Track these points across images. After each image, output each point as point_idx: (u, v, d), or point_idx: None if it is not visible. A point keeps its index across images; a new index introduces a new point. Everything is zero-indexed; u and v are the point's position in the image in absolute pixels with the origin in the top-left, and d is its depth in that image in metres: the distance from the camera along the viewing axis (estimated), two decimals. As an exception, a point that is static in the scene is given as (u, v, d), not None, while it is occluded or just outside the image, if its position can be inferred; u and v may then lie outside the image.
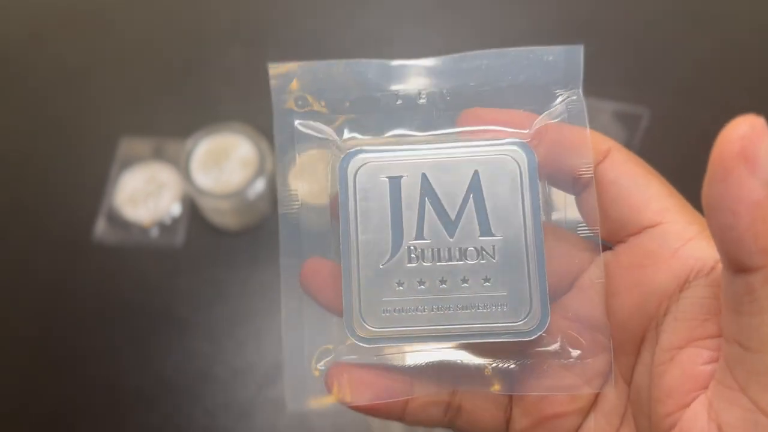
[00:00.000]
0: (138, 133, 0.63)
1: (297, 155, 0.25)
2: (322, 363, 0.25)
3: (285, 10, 0.70)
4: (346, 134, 0.25)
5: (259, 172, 0.56)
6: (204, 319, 0.56)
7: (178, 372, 0.54)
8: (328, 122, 0.25)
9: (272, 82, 0.25)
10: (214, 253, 0.59)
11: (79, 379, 0.54)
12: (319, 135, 0.25)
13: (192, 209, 0.60)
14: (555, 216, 0.25)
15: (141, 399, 0.53)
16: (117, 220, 0.59)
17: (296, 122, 0.25)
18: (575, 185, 0.23)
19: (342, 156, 0.24)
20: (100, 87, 0.66)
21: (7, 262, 0.59)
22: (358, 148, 0.24)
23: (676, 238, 0.21)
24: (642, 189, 0.22)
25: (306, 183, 0.26)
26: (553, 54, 0.24)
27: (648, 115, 0.59)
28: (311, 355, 0.25)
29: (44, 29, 0.69)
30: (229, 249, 0.58)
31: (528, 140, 0.24)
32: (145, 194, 0.60)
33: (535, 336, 0.23)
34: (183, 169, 0.56)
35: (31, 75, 0.67)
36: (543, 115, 0.24)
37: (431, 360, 0.24)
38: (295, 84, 0.25)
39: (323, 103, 0.25)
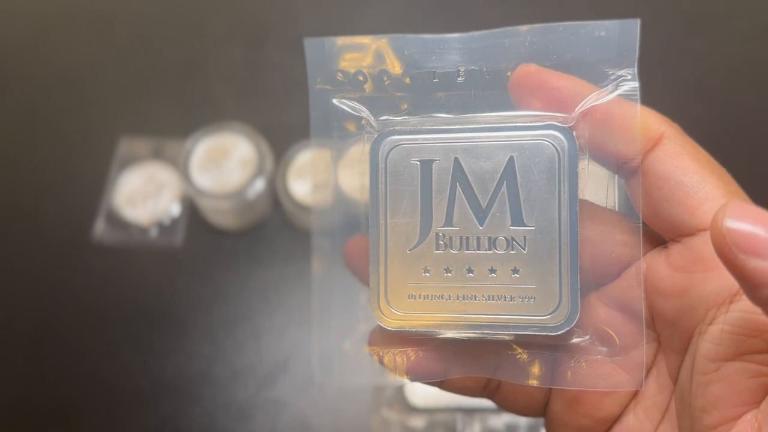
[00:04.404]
0: (137, 133, 0.62)
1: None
2: (348, 342, 0.25)
3: (285, 10, 0.70)
4: (381, 113, 0.24)
5: (259, 172, 0.56)
6: (203, 319, 0.56)
7: (178, 372, 0.54)
8: (363, 100, 0.24)
9: (308, 56, 0.24)
10: (214, 253, 0.58)
11: (79, 379, 0.54)
12: (355, 113, 0.24)
13: (191, 209, 0.59)
14: (606, 196, 0.23)
15: (140, 399, 0.53)
16: (116, 221, 0.59)
17: (332, 100, 0.24)
18: (623, 170, 0.22)
19: (374, 137, 0.23)
20: (100, 87, 0.66)
21: (7, 262, 0.59)
22: (391, 129, 0.23)
23: None
24: (696, 188, 0.21)
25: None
26: (605, 29, 0.22)
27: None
28: (339, 334, 0.25)
29: (44, 29, 0.69)
30: (229, 249, 0.58)
31: (572, 123, 0.22)
32: (144, 194, 0.60)
33: (563, 331, 0.22)
34: (182, 169, 0.56)
35: (31, 75, 0.67)
36: (591, 95, 0.22)
37: (469, 346, 0.23)
38: (331, 59, 0.24)
39: (360, 80, 0.24)
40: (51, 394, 0.54)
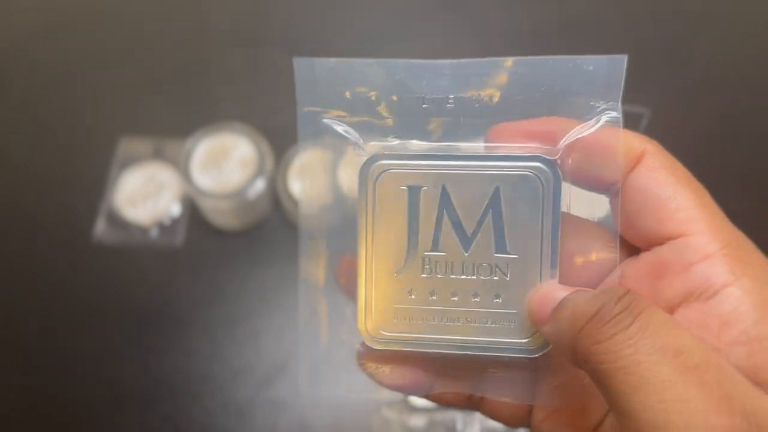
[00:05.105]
0: (138, 133, 0.62)
1: (297, 154, 0.25)
2: (340, 351, 0.25)
3: (285, 10, 0.70)
4: (369, 136, 0.24)
5: (259, 172, 0.56)
6: (203, 319, 0.56)
7: (177, 372, 0.54)
8: (352, 122, 0.25)
9: (297, 76, 0.24)
10: (214, 253, 0.58)
11: (78, 378, 0.54)
12: (344, 134, 0.25)
13: (191, 209, 0.60)
14: (588, 211, 0.24)
15: (140, 399, 0.53)
16: (117, 221, 0.59)
17: (321, 120, 0.25)
18: (608, 192, 0.23)
19: (363, 161, 0.24)
20: (100, 87, 0.66)
21: (7, 262, 0.59)
22: (379, 153, 0.24)
23: (694, 252, 0.21)
24: (669, 199, 0.22)
25: (308, 182, 0.26)
26: (594, 63, 0.23)
27: (648, 115, 0.58)
28: (327, 344, 0.25)
29: (44, 29, 0.69)
30: (229, 249, 0.58)
31: (557, 155, 0.23)
32: (144, 194, 0.60)
33: (540, 354, 0.23)
34: (182, 169, 0.56)
35: (31, 75, 0.67)
36: (576, 128, 0.23)
37: (452, 363, 0.24)
38: (320, 80, 0.24)
39: (350, 102, 0.24)
40: (51, 393, 0.54)
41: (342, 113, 0.24)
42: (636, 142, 0.23)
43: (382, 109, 0.24)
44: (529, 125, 0.23)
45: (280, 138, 0.59)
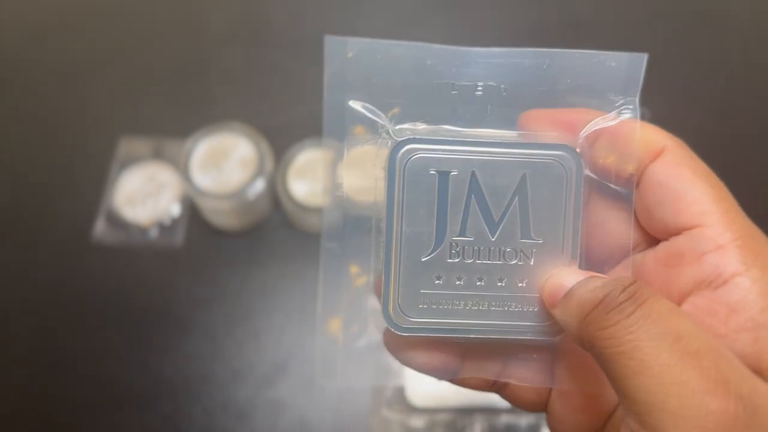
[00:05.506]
0: (137, 133, 0.62)
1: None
2: (360, 341, 0.26)
3: (285, 10, 0.70)
4: (399, 121, 0.25)
5: (259, 172, 0.56)
6: (203, 319, 0.56)
7: (177, 372, 0.54)
8: (381, 105, 0.25)
9: (327, 55, 0.24)
10: (214, 253, 0.58)
11: (78, 378, 0.54)
12: (372, 117, 0.25)
13: (191, 209, 0.60)
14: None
15: (140, 399, 0.53)
16: (116, 221, 0.59)
17: (349, 102, 0.25)
18: (627, 183, 0.24)
19: (392, 145, 0.24)
20: (100, 87, 0.66)
21: (7, 262, 0.59)
22: (409, 137, 0.24)
23: (708, 242, 0.22)
24: (687, 192, 0.23)
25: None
26: (616, 60, 0.24)
27: (648, 115, 0.58)
28: (347, 334, 0.26)
29: (44, 29, 0.69)
30: (229, 249, 0.58)
31: (578, 145, 0.24)
32: (144, 194, 0.60)
33: (560, 337, 0.24)
34: (182, 169, 0.56)
35: (31, 75, 0.67)
36: (596, 119, 0.24)
37: (476, 348, 0.25)
38: (351, 61, 0.24)
39: (379, 85, 0.24)
40: (51, 393, 0.54)
41: (371, 95, 0.24)
42: (658, 136, 0.23)
43: (410, 92, 0.24)
44: (558, 113, 0.24)
45: (280, 138, 0.59)
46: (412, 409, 0.50)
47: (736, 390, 0.18)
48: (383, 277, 0.24)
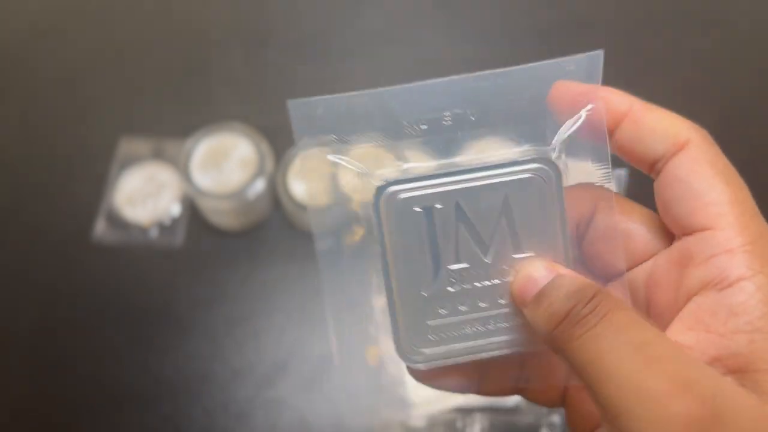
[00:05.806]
0: (138, 133, 0.63)
1: (296, 156, 0.25)
2: (374, 357, 0.26)
3: (285, 10, 0.70)
4: (375, 165, 0.25)
5: (259, 172, 0.56)
6: (203, 319, 0.56)
7: (178, 372, 0.54)
8: (356, 155, 0.25)
9: (293, 117, 0.25)
10: (214, 253, 0.58)
11: (78, 378, 0.54)
12: (351, 168, 0.25)
13: (191, 209, 0.60)
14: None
15: (140, 399, 0.53)
16: (116, 221, 0.59)
17: (326, 156, 0.25)
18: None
19: (375, 191, 0.24)
20: (100, 87, 0.66)
21: (7, 262, 0.59)
22: (389, 180, 0.24)
23: (718, 245, 0.22)
24: (703, 192, 0.23)
25: (307, 183, 0.26)
26: (574, 63, 0.24)
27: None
28: (361, 350, 0.26)
29: (44, 28, 0.69)
30: (229, 249, 0.58)
31: (554, 152, 0.24)
32: (144, 194, 0.60)
33: None
34: (182, 169, 0.56)
35: (31, 74, 0.67)
36: (563, 126, 0.24)
37: (492, 362, 0.25)
38: (317, 119, 0.25)
39: (351, 136, 0.25)
40: (51, 393, 0.54)
41: (343, 147, 0.25)
42: (684, 128, 0.24)
43: (382, 137, 0.25)
44: (577, 86, 0.24)
45: (280, 138, 0.59)
46: (412, 409, 0.50)
47: (700, 392, 0.19)
48: (389, 317, 0.25)
